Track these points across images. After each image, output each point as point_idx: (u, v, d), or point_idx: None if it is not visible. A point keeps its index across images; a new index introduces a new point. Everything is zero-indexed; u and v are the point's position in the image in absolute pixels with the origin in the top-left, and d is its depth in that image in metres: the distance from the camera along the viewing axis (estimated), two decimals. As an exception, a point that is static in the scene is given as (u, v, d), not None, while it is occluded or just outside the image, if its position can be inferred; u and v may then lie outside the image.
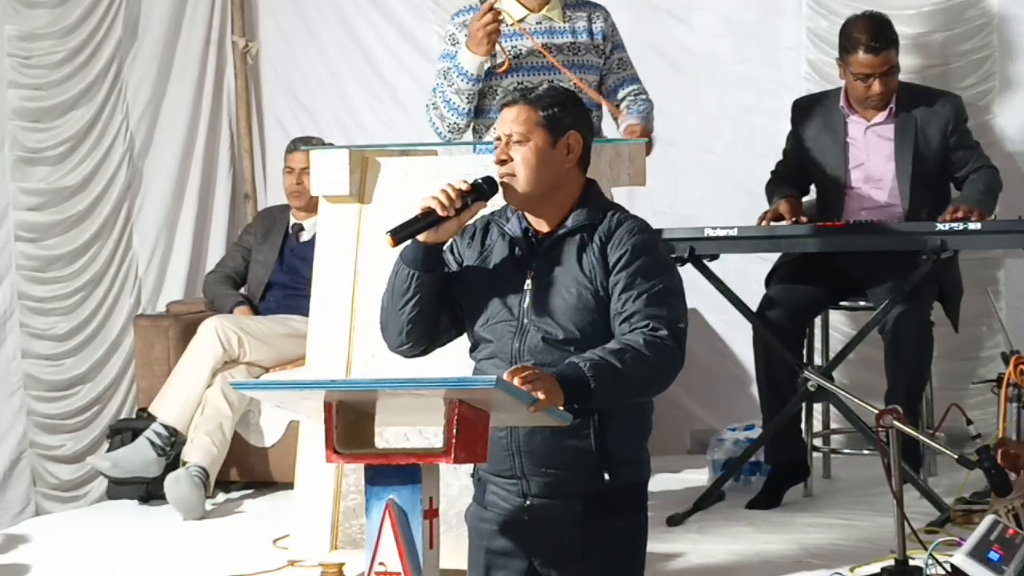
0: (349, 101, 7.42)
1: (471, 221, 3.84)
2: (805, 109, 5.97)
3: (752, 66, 6.78)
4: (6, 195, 6.71)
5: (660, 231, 4.36)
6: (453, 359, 4.01)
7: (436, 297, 3.78)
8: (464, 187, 3.76)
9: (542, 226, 3.81)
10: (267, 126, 7.61)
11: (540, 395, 3.42)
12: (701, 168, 6.84)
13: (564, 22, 5.43)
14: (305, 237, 6.58)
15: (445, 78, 5.34)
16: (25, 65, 6.76)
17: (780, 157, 6.04)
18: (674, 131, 6.71)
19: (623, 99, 5.47)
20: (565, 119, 3.80)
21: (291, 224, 6.69)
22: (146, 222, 7.21)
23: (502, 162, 3.77)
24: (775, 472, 5.72)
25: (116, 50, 7.06)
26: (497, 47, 5.26)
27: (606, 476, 3.70)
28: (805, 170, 5.94)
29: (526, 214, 3.81)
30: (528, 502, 3.73)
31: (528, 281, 3.76)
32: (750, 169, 6.45)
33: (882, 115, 5.78)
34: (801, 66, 6.62)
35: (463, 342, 3.90)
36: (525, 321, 3.73)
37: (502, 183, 3.78)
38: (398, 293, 3.77)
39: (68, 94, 6.89)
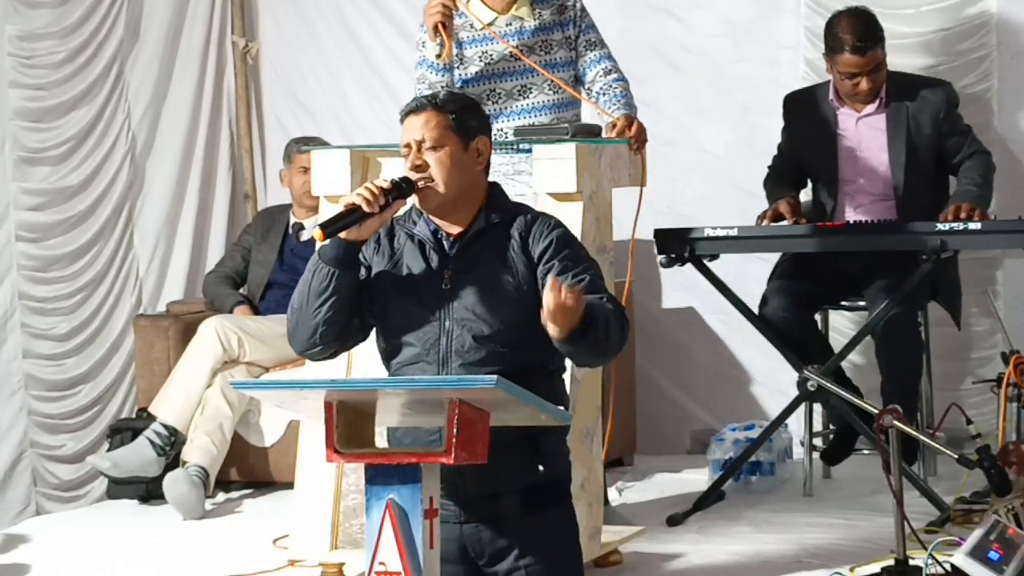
0: (349, 101, 7.42)
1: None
2: (796, 104, 5.99)
3: (750, 65, 6.78)
4: (7, 195, 6.70)
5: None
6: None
7: (351, 298, 3.79)
8: (386, 185, 3.78)
9: (452, 228, 3.83)
10: (267, 126, 7.61)
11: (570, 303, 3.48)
12: (699, 168, 6.85)
13: (534, 19, 5.34)
14: (305, 236, 6.58)
15: (421, 81, 5.29)
16: (26, 65, 6.76)
17: (768, 172, 6.06)
18: (672, 131, 6.71)
19: (593, 81, 5.36)
20: (472, 123, 3.85)
21: (291, 223, 6.70)
22: (147, 222, 7.21)
23: (417, 167, 3.79)
24: (845, 426, 5.75)
25: (117, 50, 7.05)
26: (442, 37, 5.16)
27: (540, 468, 3.74)
28: (800, 164, 5.96)
29: (434, 218, 3.84)
30: (465, 503, 3.73)
31: (446, 282, 3.78)
32: (748, 169, 6.45)
33: (872, 106, 5.79)
34: (799, 65, 6.62)
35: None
36: (448, 323, 3.74)
37: (420, 190, 3.79)
38: (315, 293, 3.75)
39: (69, 94, 6.89)
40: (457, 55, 5.29)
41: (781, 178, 5.97)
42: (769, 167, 6.05)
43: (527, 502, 3.74)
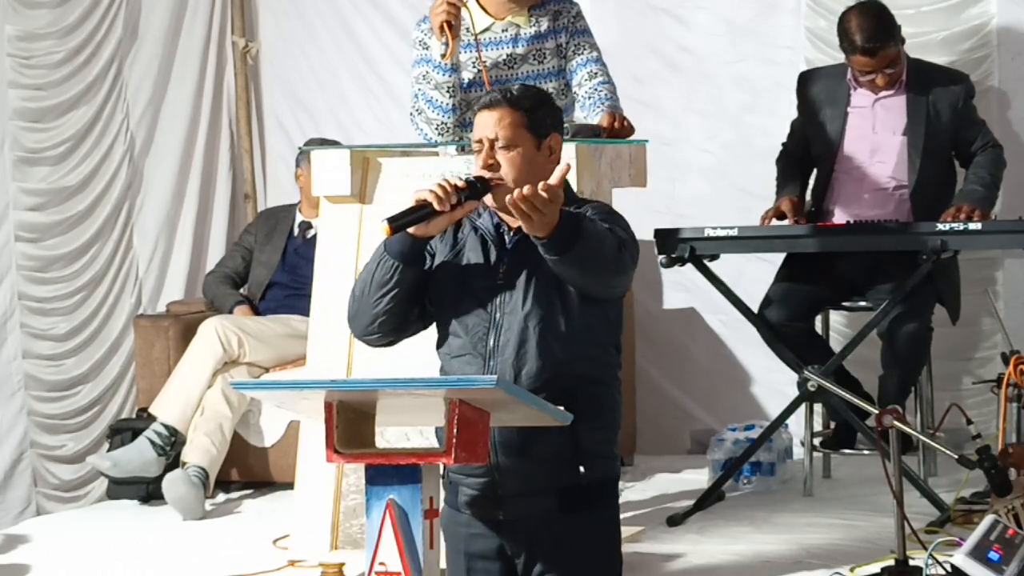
0: (348, 101, 7.42)
1: None
2: (810, 80, 5.98)
3: (750, 65, 6.78)
4: (6, 195, 6.70)
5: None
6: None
7: (413, 291, 3.77)
8: (460, 184, 3.74)
9: (514, 223, 3.77)
10: (267, 126, 7.61)
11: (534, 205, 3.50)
12: (698, 168, 6.85)
13: (530, 27, 5.29)
14: (311, 234, 6.57)
15: (423, 80, 5.26)
16: (25, 65, 6.75)
17: (780, 152, 6.06)
18: (671, 130, 6.71)
19: (580, 84, 5.31)
20: (546, 120, 3.82)
21: (299, 222, 6.69)
22: (146, 222, 7.21)
23: (489, 167, 3.75)
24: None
25: (116, 50, 7.05)
26: (447, 36, 5.12)
27: (581, 469, 3.71)
28: (808, 143, 5.96)
29: (499, 212, 3.81)
30: (503, 501, 3.72)
31: (501, 277, 3.75)
32: (747, 169, 6.46)
33: (892, 88, 5.78)
34: (799, 65, 6.61)
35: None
36: (498, 317, 3.72)
37: (492, 186, 3.76)
38: (377, 284, 3.73)
39: (68, 94, 6.89)
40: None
41: (791, 159, 5.97)
42: (782, 144, 6.05)
43: (566, 503, 3.71)
